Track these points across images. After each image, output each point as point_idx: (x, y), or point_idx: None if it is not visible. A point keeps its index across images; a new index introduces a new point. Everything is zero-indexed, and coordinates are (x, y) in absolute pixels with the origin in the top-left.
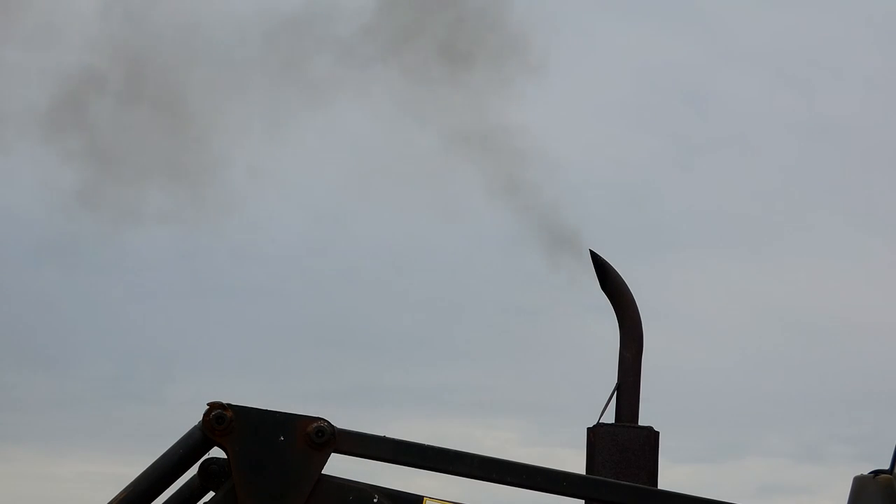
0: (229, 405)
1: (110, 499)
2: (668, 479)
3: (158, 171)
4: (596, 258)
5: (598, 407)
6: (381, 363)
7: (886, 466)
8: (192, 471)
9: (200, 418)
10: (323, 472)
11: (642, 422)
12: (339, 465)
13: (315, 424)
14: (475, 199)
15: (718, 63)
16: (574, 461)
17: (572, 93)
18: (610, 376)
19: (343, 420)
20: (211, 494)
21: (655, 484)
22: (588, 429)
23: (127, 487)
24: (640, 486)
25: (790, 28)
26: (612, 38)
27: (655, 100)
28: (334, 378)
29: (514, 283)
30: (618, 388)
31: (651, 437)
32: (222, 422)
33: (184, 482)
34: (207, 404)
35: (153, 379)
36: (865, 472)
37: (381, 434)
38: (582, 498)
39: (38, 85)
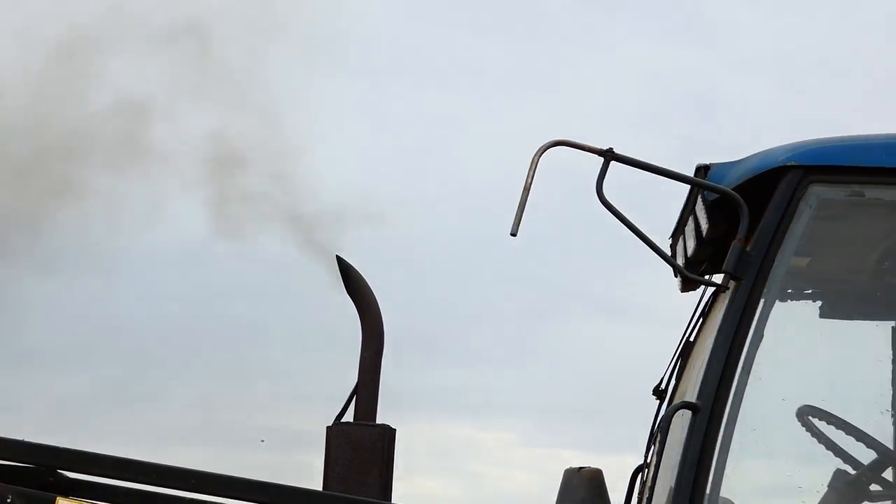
0: None
1: None
2: None
3: None
4: (341, 262)
5: (602, 407)
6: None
7: None
8: None
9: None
10: None
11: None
12: None
13: None
14: None
15: (727, 68)
16: (576, 461)
17: (576, 96)
18: (616, 377)
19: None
20: None
21: (389, 480)
22: (326, 427)
23: None
24: (255, 480)
25: (800, 33)
26: (619, 42)
27: (663, 105)
28: (337, 379)
29: (517, 284)
30: (356, 386)
31: (386, 434)
32: None
33: None
34: None
35: (159, 381)
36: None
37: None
38: (210, 494)
39: None
